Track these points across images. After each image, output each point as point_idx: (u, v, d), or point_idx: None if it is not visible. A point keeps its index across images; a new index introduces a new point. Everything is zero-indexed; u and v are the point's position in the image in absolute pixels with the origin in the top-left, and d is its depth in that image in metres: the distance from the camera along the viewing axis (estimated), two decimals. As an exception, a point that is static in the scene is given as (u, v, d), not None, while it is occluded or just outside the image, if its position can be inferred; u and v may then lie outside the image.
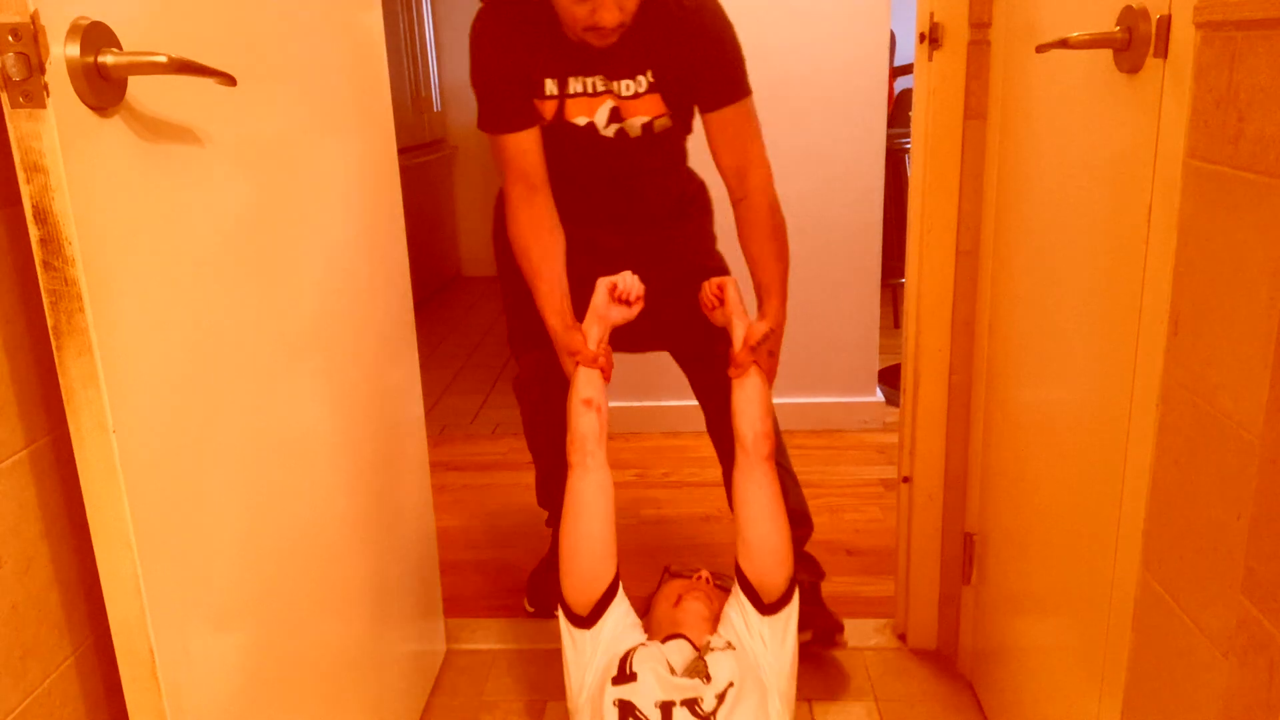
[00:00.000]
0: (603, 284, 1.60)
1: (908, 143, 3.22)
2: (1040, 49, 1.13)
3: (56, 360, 0.75)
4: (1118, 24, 0.99)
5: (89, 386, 0.75)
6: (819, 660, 1.77)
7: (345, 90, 1.32)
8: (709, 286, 1.67)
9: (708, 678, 1.32)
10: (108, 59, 0.75)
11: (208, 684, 0.93)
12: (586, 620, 1.42)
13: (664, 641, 1.42)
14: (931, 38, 1.53)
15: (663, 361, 2.83)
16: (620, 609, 1.46)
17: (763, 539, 1.46)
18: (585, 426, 1.50)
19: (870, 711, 1.64)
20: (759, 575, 1.45)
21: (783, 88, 2.64)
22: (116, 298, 0.78)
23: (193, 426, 0.90)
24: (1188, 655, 0.86)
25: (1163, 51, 0.92)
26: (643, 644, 1.40)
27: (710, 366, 1.73)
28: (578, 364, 1.56)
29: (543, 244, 1.65)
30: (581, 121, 1.65)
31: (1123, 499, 1.03)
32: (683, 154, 1.79)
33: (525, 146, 1.64)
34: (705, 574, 1.67)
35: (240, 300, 0.99)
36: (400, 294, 1.57)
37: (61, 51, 0.72)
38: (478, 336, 4.07)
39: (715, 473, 2.59)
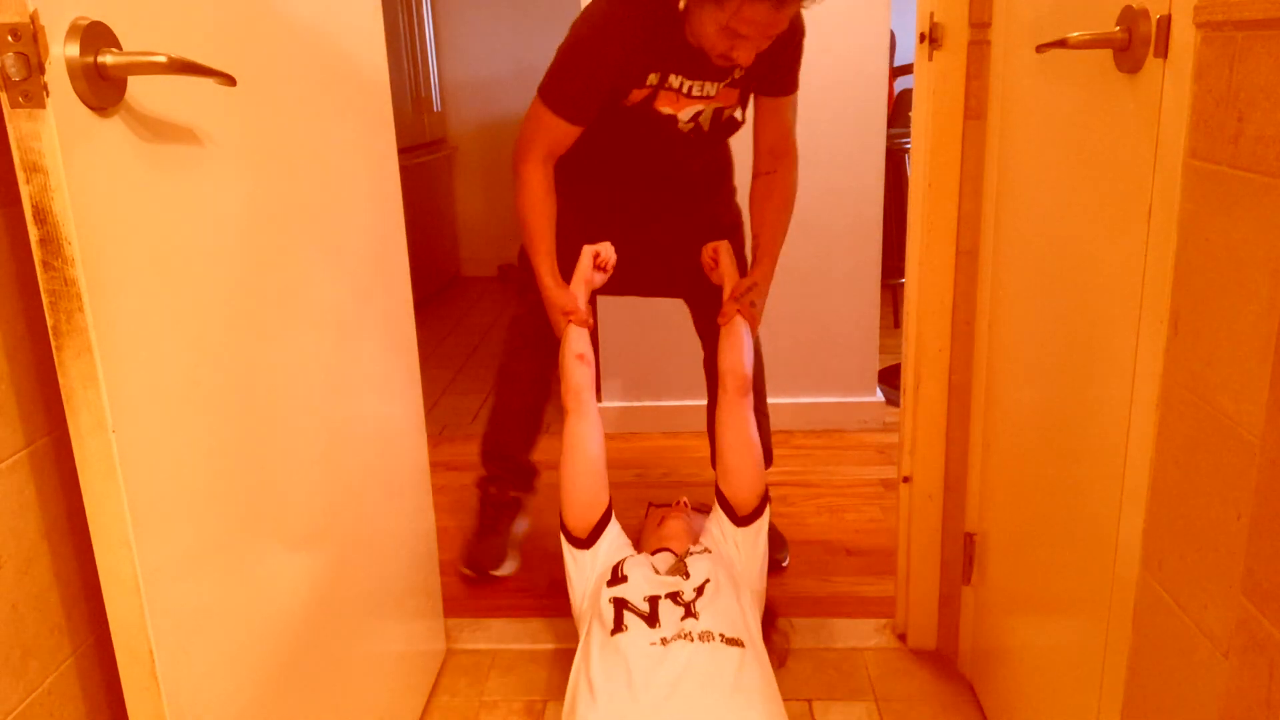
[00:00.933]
0: (588, 251, 1.81)
1: (908, 143, 3.22)
2: (1040, 49, 1.13)
3: (56, 360, 0.75)
4: (1118, 24, 0.99)
5: (88, 386, 0.75)
6: (819, 660, 1.77)
7: (345, 90, 1.32)
8: (707, 250, 1.90)
9: (687, 575, 1.54)
10: (107, 59, 0.75)
11: (207, 684, 0.93)
12: (586, 542, 1.65)
13: (652, 554, 1.64)
14: (931, 38, 1.53)
15: (662, 362, 2.85)
16: (614, 531, 1.68)
17: (738, 462, 1.70)
18: (580, 377, 1.71)
19: (870, 711, 1.64)
20: (734, 493, 1.69)
21: (783, 88, 2.63)
22: (116, 298, 0.78)
23: (192, 426, 0.90)
24: (1188, 655, 0.86)
25: (1163, 51, 0.92)
26: (632, 555, 1.63)
27: (713, 308, 1.92)
28: (569, 322, 1.76)
29: (547, 210, 1.79)
30: (666, 112, 1.77)
31: (1123, 499, 1.03)
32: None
33: (571, 132, 1.75)
34: (684, 500, 1.94)
35: (240, 300, 0.99)
36: (400, 294, 1.57)
37: (61, 51, 0.72)
38: (477, 336, 4.07)
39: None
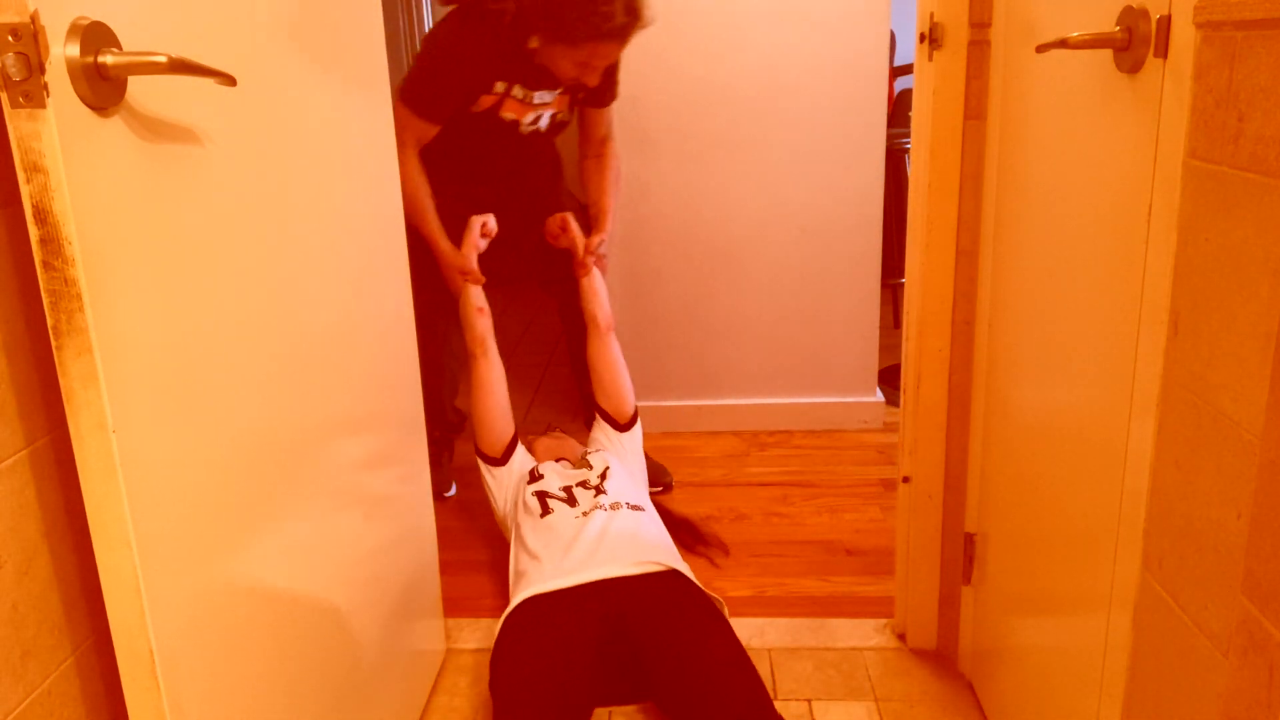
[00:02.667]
0: (475, 221, 2.17)
1: (908, 143, 3.22)
2: (1040, 49, 1.13)
3: (56, 360, 0.75)
4: (1118, 24, 0.99)
5: (89, 386, 0.76)
6: (819, 660, 1.77)
7: (345, 90, 1.32)
8: (553, 221, 2.29)
9: (590, 467, 1.99)
10: (107, 59, 0.75)
11: (208, 684, 0.93)
12: (500, 460, 2.07)
13: (555, 461, 2.07)
14: (931, 38, 1.53)
15: (662, 363, 2.85)
16: (521, 450, 2.12)
17: (614, 383, 2.21)
18: (483, 327, 2.11)
19: (870, 711, 1.64)
20: (614, 406, 2.21)
21: (783, 88, 2.64)
22: (116, 298, 0.78)
23: (193, 426, 0.90)
24: (1188, 655, 0.86)
25: (1163, 51, 0.92)
26: (540, 464, 2.06)
27: (563, 280, 2.37)
28: (467, 281, 2.13)
29: (426, 190, 2.12)
30: (509, 118, 2.17)
31: (1123, 499, 1.03)
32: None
33: (432, 128, 2.10)
34: (555, 429, 2.36)
35: (240, 300, 0.99)
36: (400, 293, 1.57)
37: (61, 51, 0.72)
38: (478, 336, 4.06)
39: (715, 473, 2.60)
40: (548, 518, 1.82)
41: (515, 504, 1.95)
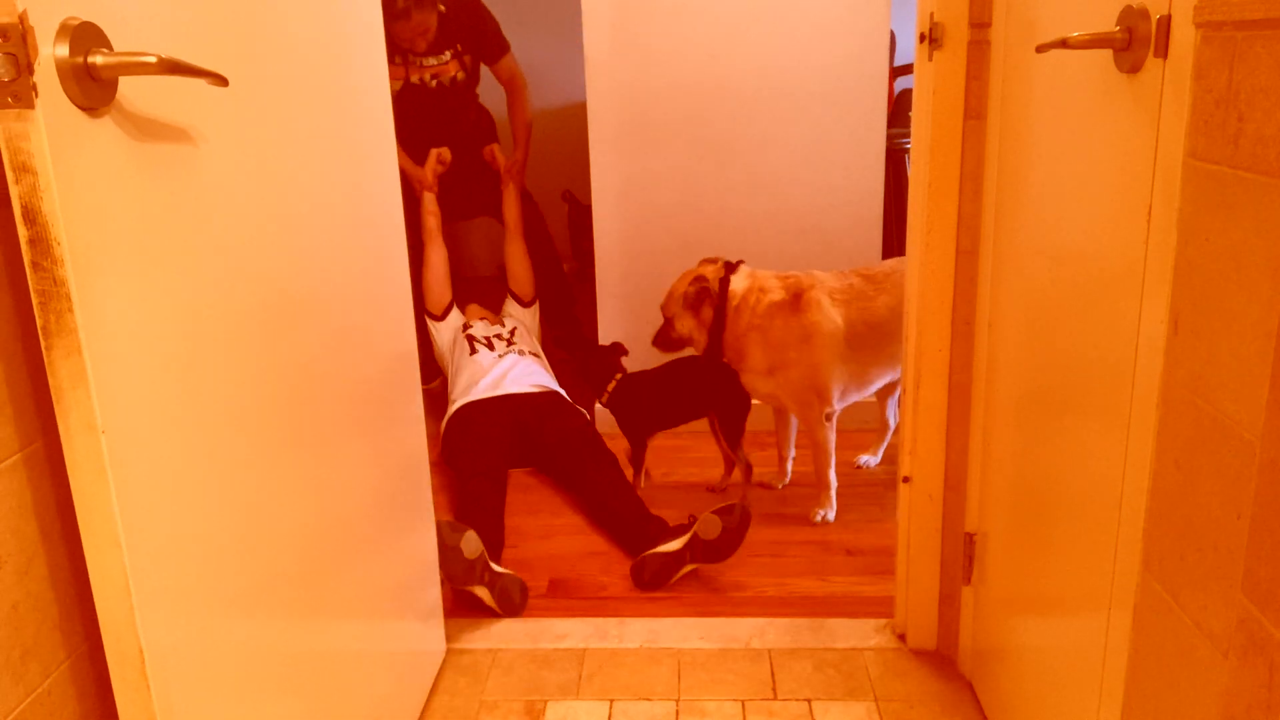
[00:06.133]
0: (434, 151, 3.00)
1: (908, 143, 3.21)
2: (1040, 49, 1.13)
3: (46, 361, 0.75)
4: (1118, 24, 0.98)
5: (78, 387, 0.75)
6: (819, 660, 1.77)
7: (343, 89, 1.32)
8: (485, 151, 3.15)
9: (504, 325, 2.96)
10: (97, 59, 0.74)
11: (200, 684, 0.92)
12: (441, 317, 2.98)
13: (479, 320, 3.00)
14: (931, 38, 1.52)
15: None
16: (456, 310, 3.03)
17: (521, 272, 3.10)
18: (432, 224, 2.99)
19: (870, 711, 1.63)
20: (519, 289, 3.10)
21: (783, 88, 2.63)
22: (106, 298, 0.77)
23: (183, 426, 0.89)
24: (1188, 655, 0.85)
25: (1163, 51, 0.91)
26: (470, 320, 2.99)
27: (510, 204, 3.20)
28: (424, 189, 2.98)
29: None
30: (415, 80, 2.99)
31: (1123, 499, 1.02)
32: (474, 93, 3.18)
33: None
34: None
35: (232, 300, 0.99)
36: (399, 294, 1.56)
37: (50, 52, 0.71)
38: (478, 336, 4.06)
39: (715, 473, 2.59)
40: (474, 355, 2.78)
41: (451, 345, 2.90)
